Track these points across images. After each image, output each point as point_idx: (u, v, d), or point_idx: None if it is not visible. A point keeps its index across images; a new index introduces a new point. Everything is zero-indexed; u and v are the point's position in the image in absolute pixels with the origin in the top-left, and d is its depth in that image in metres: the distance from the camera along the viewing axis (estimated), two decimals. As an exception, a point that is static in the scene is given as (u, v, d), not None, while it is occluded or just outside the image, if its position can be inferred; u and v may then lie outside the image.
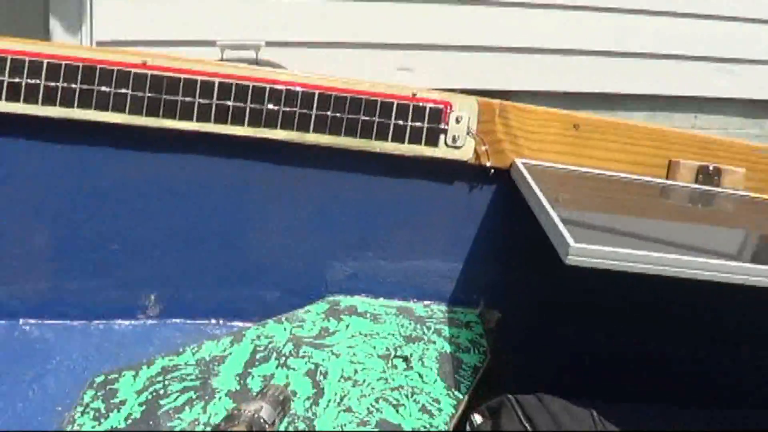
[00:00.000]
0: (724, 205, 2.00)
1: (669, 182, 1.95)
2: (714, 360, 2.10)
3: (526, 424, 1.45)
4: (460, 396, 1.65)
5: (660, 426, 1.61)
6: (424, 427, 1.55)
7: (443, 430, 1.56)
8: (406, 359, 1.74)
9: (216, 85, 1.72)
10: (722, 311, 2.06)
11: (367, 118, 1.82)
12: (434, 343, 1.81)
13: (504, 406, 1.49)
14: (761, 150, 2.01)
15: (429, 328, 1.87)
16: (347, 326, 1.83)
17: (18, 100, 1.66)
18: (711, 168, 1.94)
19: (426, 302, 2.00)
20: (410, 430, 1.55)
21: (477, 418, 1.54)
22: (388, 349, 1.76)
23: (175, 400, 1.58)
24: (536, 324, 2.06)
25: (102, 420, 1.53)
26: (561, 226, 1.51)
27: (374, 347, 1.76)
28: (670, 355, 2.09)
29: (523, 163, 1.87)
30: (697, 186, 1.94)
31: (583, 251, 1.44)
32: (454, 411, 1.61)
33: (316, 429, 1.51)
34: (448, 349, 1.79)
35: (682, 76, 4.27)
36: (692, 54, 4.26)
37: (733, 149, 1.99)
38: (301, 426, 1.51)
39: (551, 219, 1.55)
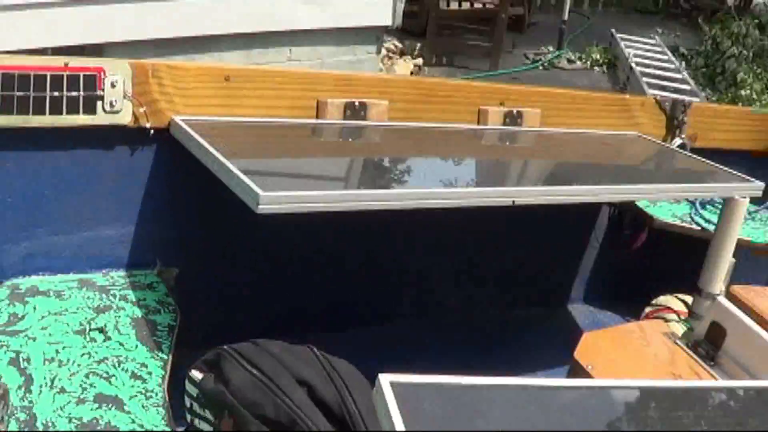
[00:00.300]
0: (371, 137, 2.26)
1: (320, 121, 2.15)
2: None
3: (252, 370, 1.53)
4: (165, 357, 1.70)
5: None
6: (140, 393, 1.59)
7: (160, 392, 1.61)
8: (101, 330, 1.73)
9: None
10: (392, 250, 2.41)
11: (21, 94, 1.74)
12: (124, 309, 1.82)
13: (223, 358, 1.54)
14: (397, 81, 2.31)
15: (115, 296, 1.87)
16: (34, 308, 1.77)
17: None
18: (357, 103, 2.17)
19: (105, 270, 1.99)
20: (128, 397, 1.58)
21: (196, 374, 1.58)
22: (81, 324, 1.74)
23: None
24: (218, 276, 2.16)
25: None
26: (244, 178, 1.61)
27: (68, 324, 1.73)
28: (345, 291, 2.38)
29: (183, 120, 1.93)
30: (345, 122, 2.17)
31: (274, 199, 1.56)
32: (163, 372, 1.66)
33: (37, 416, 1.48)
34: (138, 313, 1.82)
35: (273, 13, 4.52)
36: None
37: (370, 82, 2.25)
38: (23, 416, 1.46)
39: (232, 172, 1.64)
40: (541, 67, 7.50)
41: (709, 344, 2.02)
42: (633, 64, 7.32)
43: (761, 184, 2.27)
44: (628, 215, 2.81)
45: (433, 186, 1.98)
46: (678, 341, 2.15)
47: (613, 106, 2.74)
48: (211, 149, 1.74)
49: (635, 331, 2.27)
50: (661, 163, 2.73)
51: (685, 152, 2.74)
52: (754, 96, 7.12)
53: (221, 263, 2.16)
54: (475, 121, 2.42)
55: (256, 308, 2.19)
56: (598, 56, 7.91)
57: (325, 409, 1.42)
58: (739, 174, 2.32)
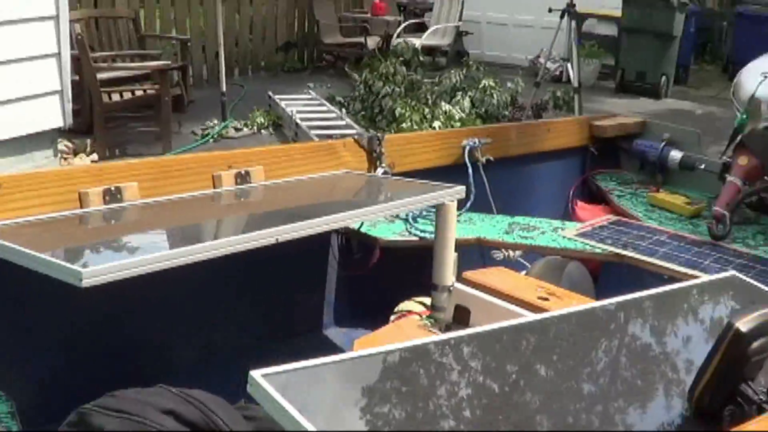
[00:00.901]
0: (134, 215, 2.67)
1: (85, 210, 2.54)
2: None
3: (119, 414, 1.82)
4: None
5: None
6: None
7: None
8: None
9: None
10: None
11: None
12: None
13: (86, 415, 1.81)
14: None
15: None
16: None
17: None
18: (113, 188, 2.59)
19: None
20: None
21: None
22: None
23: None
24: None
25: None
26: (62, 262, 1.97)
27: None
28: None
29: None
30: (105, 207, 2.58)
31: (95, 272, 1.93)
32: None
33: None
34: None
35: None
36: None
37: (120, 168, 2.69)
38: None
39: (47, 260, 2.00)
40: (211, 140, 8.06)
41: (458, 324, 2.66)
42: (298, 121, 8.10)
43: (462, 187, 2.98)
44: (355, 241, 3.43)
45: (205, 240, 2.42)
46: (431, 329, 2.77)
47: (321, 151, 3.36)
48: (18, 247, 2.08)
49: (394, 329, 2.87)
50: (372, 190, 3.39)
51: (390, 177, 3.42)
52: (415, 127, 8.18)
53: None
54: (211, 186, 2.92)
55: (84, 377, 2.51)
56: (262, 119, 8.62)
57: (195, 428, 1.83)
58: (442, 184, 3.02)
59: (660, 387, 1.81)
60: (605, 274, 3.50)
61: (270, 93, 9.11)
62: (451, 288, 2.88)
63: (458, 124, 8.22)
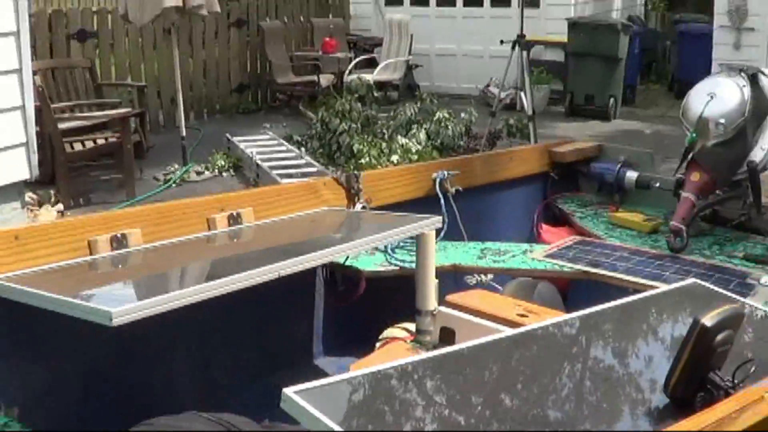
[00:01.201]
0: (141, 259, 2.91)
1: (94, 257, 2.77)
2: None
3: None
4: None
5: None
6: None
7: None
8: None
9: None
10: None
11: None
12: None
13: None
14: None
15: None
16: None
17: None
18: (119, 235, 2.82)
19: None
20: None
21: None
22: None
23: None
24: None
25: None
26: (92, 304, 2.21)
27: None
28: None
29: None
30: (113, 253, 2.81)
31: (125, 311, 2.17)
32: None
33: None
34: None
35: None
36: None
37: (125, 216, 2.93)
38: None
39: (77, 303, 2.23)
40: (174, 185, 8.27)
41: (443, 345, 2.91)
42: (258, 162, 8.34)
43: (439, 217, 3.25)
44: (339, 273, 3.68)
45: (211, 279, 2.65)
46: (420, 351, 3.03)
47: (304, 191, 3.62)
48: (45, 293, 2.30)
49: (384, 354, 3.12)
50: (354, 225, 3.65)
51: (369, 211, 3.69)
52: (374, 161, 8.46)
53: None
54: (206, 228, 3.16)
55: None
56: (222, 162, 8.85)
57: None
58: (419, 215, 3.28)
59: (639, 380, 2.09)
60: (574, 292, 3.78)
61: (228, 135, 9.36)
62: (434, 312, 3.15)
63: (415, 157, 8.51)
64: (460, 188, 4.19)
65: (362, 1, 14.15)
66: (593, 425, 1.91)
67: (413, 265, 3.50)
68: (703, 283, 2.78)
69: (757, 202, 4.07)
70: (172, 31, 8.95)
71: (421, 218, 3.20)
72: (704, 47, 11.76)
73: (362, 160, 8.43)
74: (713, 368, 1.96)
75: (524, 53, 8.94)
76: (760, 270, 3.61)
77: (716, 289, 2.76)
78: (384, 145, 8.77)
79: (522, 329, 2.35)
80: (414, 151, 8.75)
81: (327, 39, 12.20)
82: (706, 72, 11.08)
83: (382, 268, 3.57)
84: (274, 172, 7.99)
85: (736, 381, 1.97)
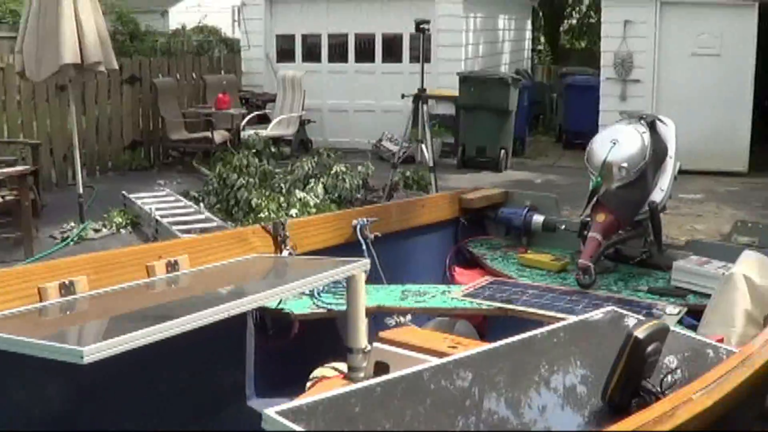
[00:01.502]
0: (88, 305, 3.03)
1: (44, 303, 2.89)
2: None
3: None
4: None
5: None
6: None
7: None
8: None
9: None
10: None
11: None
12: None
13: None
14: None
15: None
16: None
17: None
18: (67, 282, 2.95)
19: None
20: None
21: None
22: None
23: None
24: None
25: None
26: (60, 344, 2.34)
27: None
28: None
29: None
30: (62, 299, 2.93)
31: (96, 348, 2.30)
32: None
33: None
34: None
35: None
36: None
37: (70, 264, 3.05)
38: None
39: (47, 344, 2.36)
40: (72, 243, 8.26)
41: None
42: (158, 217, 8.43)
43: (368, 260, 3.47)
44: (269, 317, 3.85)
45: (163, 320, 2.78)
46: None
47: (234, 239, 3.81)
48: (10, 336, 2.42)
49: (322, 391, 3.30)
50: (284, 270, 3.84)
51: (298, 257, 3.89)
52: (273, 216, 8.63)
53: None
54: (146, 275, 3.31)
55: None
56: (120, 219, 8.89)
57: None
58: (348, 258, 3.50)
59: (578, 392, 2.35)
60: (492, 328, 4.04)
61: (125, 192, 9.40)
62: (365, 350, 3.36)
63: (313, 210, 8.74)
64: (379, 234, 4.43)
65: (254, 58, 14.41)
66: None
67: (340, 307, 3.72)
68: (619, 310, 3.07)
69: (658, 240, 4.43)
70: (68, 88, 9.00)
71: (350, 261, 3.41)
72: (590, 99, 12.41)
73: (261, 214, 8.60)
74: (645, 376, 2.23)
75: (425, 106, 9.32)
76: (665, 301, 3.95)
77: (631, 314, 3.05)
78: (282, 199, 8.97)
79: (466, 352, 2.58)
80: (312, 204, 8.99)
81: (220, 95, 12.38)
82: (592, 123, 11.90)
83: (310, 311, 3.77)
84: (174, 227, 8.08)
85: (663, 388, 2.24)
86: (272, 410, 1.91)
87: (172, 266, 3.38)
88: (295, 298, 3.85)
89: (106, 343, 2.32)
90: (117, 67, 9.02)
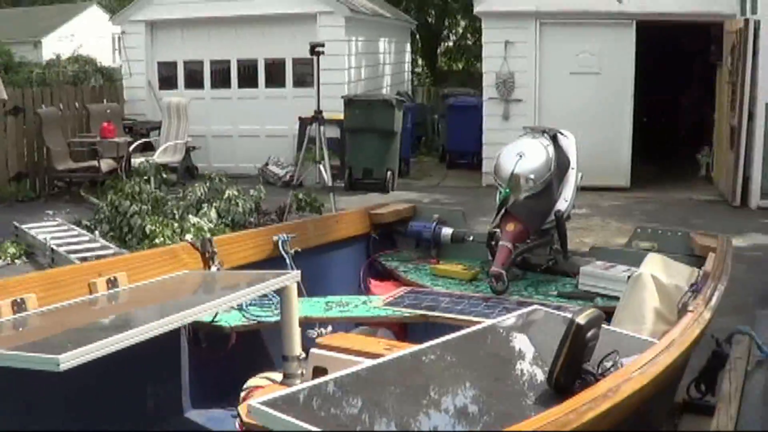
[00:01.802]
0: (36, 321, 3.10)
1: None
2: None
3: None
4: None
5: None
6: None
7: None
8: None
9: None
10: None
11: None
12: None
13: None
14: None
15: None
16: None
17: None
18: (18, 299, 3.01)
19: None
20: None
21: None
22: None
23: None
24: None
25: None
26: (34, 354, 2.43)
27: None
28: None
29: None
30: (16, 316, 2.99)
31: (71, 356, 2.40)
32: None
33: None
34: None
35: None
36: None
37: (21, 282, 3.12)
38: None
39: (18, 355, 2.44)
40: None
41: (319, 382, 3.28)
42: (54, 247, 8.34)
43: (298, 271, 3.63)
44: (201, 332, 3.96)
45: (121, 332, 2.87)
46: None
47: (166, 256, 3.93)
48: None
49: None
50: (216, 284, 3.96)
51: (228, 271, 4.02)
52: (168, 241, 8.63)
53: None
54: (88, 291, 3.40)
55: None
56: (13, 250, 8.74)
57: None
58: (279, 271, 3.65)
59: (524, 379, 2.58)
60: (413, 334, 4.24)
61: (16, 223, 9.24)
62: (301, 357, 3.52)
63: (208, 234, 8.77)
64: (299, 249, 4.59)
65: (136, 86, 14.32)
66: (494, 418, 2.36)
67: (268, 319, 3.87)
68: (543, 308, 3.32)
69: (564, 247, 4.73)
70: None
71: (282, 273, 3.58)
72: (472, 119, 12.77)
73: (156, 240, 8.60)
74: (586, 359, 2.47)
75: (322, 128, 9.51)
76: (574, 304, 4.23)
77: (554, 311, 3.31)
78: (176, 225, 8.98)
79: (412, 348, 2.77)
80: (206, 229, 9.02)
81: (105, 124, 12.28)
82: (475, 143, 12.22)
83: (241, 323, 3.90)
84: (72, 255, 8.01)
85: (602, 370, 2.49)
86: (256, 401, 2.06)
87: (112, 283, 3.48)
88: (225, 312, 3.98)
89: (79, 350, 2.43)
90: (6, 98, 8.90)
